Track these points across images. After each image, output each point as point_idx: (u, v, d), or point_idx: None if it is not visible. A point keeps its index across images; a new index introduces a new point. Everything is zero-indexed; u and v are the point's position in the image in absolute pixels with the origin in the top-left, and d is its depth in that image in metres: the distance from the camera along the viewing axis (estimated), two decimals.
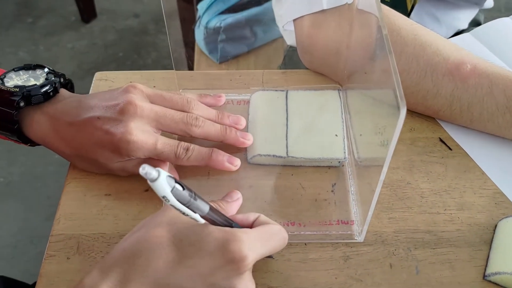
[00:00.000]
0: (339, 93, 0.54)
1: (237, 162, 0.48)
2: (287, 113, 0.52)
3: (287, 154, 0.48)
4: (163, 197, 0.30)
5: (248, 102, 0.55)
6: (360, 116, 0.49)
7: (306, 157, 0.48)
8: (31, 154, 1.44)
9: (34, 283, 0.65)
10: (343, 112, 0.52)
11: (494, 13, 0.80)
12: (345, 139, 0.50)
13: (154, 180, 0.29)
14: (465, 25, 0.77)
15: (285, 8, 0.57)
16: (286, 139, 0.50)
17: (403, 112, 0.30)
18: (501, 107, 0.49)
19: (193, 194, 0.32)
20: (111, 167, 0.46)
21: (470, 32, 0.63)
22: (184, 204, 0.32)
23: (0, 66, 0.49)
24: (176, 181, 0.30)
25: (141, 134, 0.44)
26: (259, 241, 0.37)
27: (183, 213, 0.32)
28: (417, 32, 0.51)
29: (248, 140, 0.49)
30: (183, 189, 0.31)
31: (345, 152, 0.48)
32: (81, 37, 1.83)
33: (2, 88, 0.46)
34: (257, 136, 0.50)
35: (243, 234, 0.35)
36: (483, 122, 0.51)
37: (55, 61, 1.73)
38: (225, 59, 1.13)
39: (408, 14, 0.64)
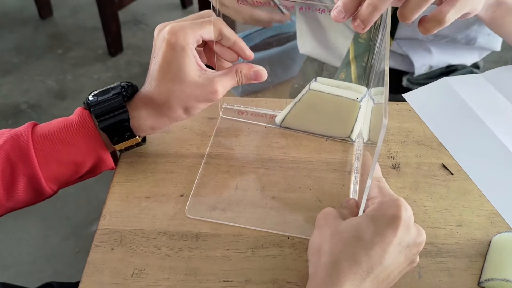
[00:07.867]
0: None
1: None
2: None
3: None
4: None
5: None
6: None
7: (332, 85, 0.58)
8: None
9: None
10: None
11: (491, 64, 0.87)
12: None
13: None
14: (460, 61, 0.84)
15: None
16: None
17: (385, 122, 0.36)
18: None
19: None
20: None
21: (482, 74, 0.71)
22: None
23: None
24: None
25: None
26: None
27: None
28: None
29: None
30: None
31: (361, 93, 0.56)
32: (107, 69, 1.94)
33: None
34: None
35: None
36: None
37: (81, 90, 1.82)
38: (245, 94, 1.21)
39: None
